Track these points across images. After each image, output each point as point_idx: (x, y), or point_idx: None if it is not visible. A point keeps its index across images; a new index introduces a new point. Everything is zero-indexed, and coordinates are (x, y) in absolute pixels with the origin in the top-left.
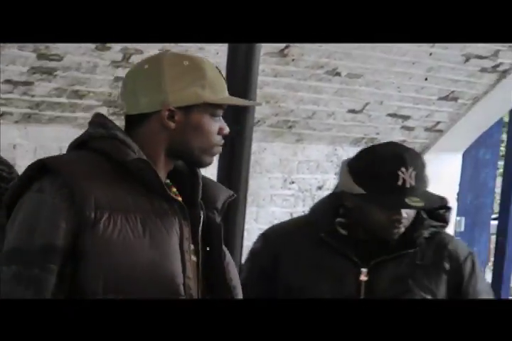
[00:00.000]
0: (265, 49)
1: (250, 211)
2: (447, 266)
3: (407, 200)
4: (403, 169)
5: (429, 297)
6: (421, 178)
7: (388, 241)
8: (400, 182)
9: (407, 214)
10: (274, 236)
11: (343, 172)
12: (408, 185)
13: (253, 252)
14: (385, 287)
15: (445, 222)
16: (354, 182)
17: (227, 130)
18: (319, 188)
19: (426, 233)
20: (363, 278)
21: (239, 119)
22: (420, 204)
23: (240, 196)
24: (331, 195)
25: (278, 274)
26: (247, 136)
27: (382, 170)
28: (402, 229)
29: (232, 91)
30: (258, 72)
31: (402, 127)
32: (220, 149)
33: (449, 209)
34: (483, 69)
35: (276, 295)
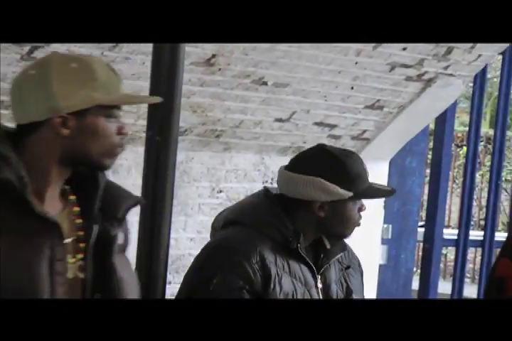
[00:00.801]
0: (191, 58)
1: (179, 220)
2: (356, 263)
3: (380, 188)
4: (362, 160)
5: (360, 297)
6: None
7: (324, 247)
8: (368, 175)
9: None
10: (253, 253)
11: (314, 184)
12: (369, 176)
13: (233, 270)
14: (334, 291)
15: None
16: (342, 188)
17: (126, 129)
18: None
19: None
20: (319, 285)
21: (163, 129)
22: (388, 188)
23: (166, 206)
24: (270, 205)
25: (267, 291)
26: (172, 145)
27: (359, 168)
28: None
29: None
30: (183, 81)
31: (329, 135)
32: (120, 150)
33: None
34: (409, 78)
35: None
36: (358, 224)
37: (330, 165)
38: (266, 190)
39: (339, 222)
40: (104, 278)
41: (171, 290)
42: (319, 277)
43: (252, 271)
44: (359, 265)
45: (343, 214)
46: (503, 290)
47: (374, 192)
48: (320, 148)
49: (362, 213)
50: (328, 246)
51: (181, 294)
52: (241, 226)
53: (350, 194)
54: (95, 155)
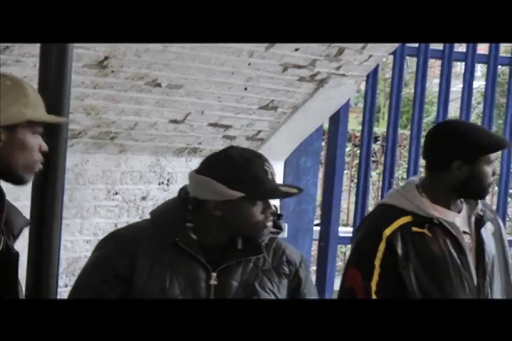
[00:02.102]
0: (84, 61)
1: (74, 223)
2: (286, 270)
3: (283, 189)
4: (267, 164)
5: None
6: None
7: (235, 247)
8: (269, 176)
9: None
10: (128, 241)
11: (205, 184)
12: (274, 178)
13: (104, 255)
14: (233, 290)
15: (280, 228)
16: (230, 189)
17: (45, 147)
18: (143, 199)
19: (266, 239)
20: (213, 282)
21: (52, 131)
22: (294, 190)
23: (56, 208)
24: (176, 201)
25: (133, 277)
26: (62, 147)
27: (255, 170)
28: (271, 224)
29: (45, 105)
30: (76, 83)
31: (224, 136)
32: (40, 165)
33: (280, 216)
34: (301, 79)
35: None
36: (265, 225)
37: (223, 166)
38: (182, 187)
39: (237, 222)
40: (9, 293)
41: (68, 293)
42: (215, 274)
43: (120, 257)
44: (296, 273)
45: (239, 215)
46: None
47: (271, 193)
48: (223, 150)
49: None
50: (239, 247)
51: None
52: (146, 219)
53: (240, 194)
54: (20, 168)
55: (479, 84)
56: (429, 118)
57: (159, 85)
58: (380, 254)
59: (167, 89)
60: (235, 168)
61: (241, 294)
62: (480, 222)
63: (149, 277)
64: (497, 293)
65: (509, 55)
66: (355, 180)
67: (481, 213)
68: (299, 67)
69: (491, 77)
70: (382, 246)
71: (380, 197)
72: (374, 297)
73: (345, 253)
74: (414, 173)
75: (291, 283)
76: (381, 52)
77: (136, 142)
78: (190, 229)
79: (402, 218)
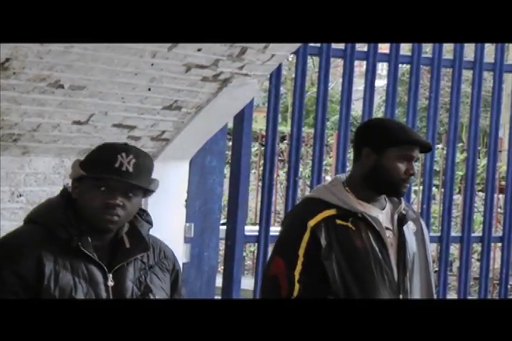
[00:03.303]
0: None
1: None
2: (166, 264)
3: (128, 181)
4: (123, 154)
5: (164, 296)
6: (141, 167)
7: (124, 246)
8: (117, 165)
9: (123, 204)
10: (26, 249)
11: (72, 166)
12: (125, 169)
13: (6, 267)
14: (129, 290)
15: (151, 223)
16: (79, 167)
17: None
18: None
19: (145, 233)
20: (110, 283)
21: None
22: (136, 182)
23: None
24: (60, 202)
25: (41, 285)
26: None
27: (103, 153)
28: (116, 218)
29: None
30: None
31: (129, 137)
32: None
33: (144, 211)
34: (205, 79)
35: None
36: (104, 212)
37: (90, 152)
38: (64, 189)
39: (82, 205)
40: None
41: None
42: (111, 275)
43: (26, 266)
44: (173, 266)
45: (83, 196)
46: (278, 288)
47: (105, 173)
48: None
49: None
50: (128, 246)
51: None
52: (32, 224)
53: (82, 172)
54: None
55: (385, 82)
56: (336, 117)
57: (62, 86)
58: (304, 244)
59: (70, 91)
60: (94, 153)
61: (136, 293)
62: (402, 220)
63: (56, 284)
64: (416, 289)
65: (410, 54)
66: None
67: (404, 212)
68: (202, 67)
69: (393, 76)
70: (306, 237)
71: (286, 196)
72: (297, 285)
73: (253, 252)
74: (318, 172)
75: (171, 277)
76: (283, 52)
77: (39, 144)
78: (85, 231)
79: (326, 210)
